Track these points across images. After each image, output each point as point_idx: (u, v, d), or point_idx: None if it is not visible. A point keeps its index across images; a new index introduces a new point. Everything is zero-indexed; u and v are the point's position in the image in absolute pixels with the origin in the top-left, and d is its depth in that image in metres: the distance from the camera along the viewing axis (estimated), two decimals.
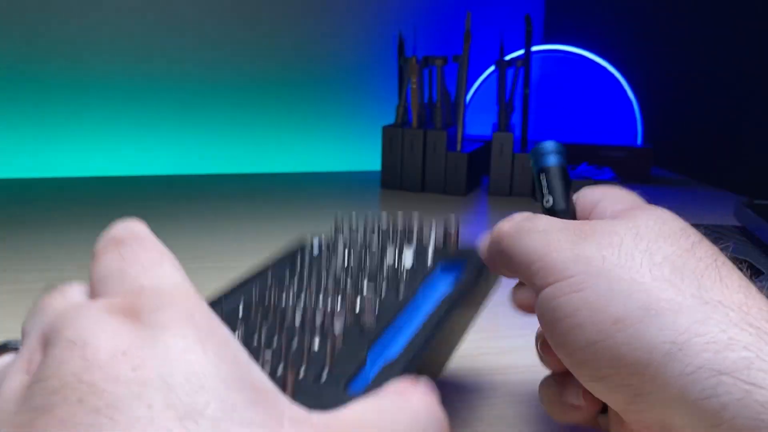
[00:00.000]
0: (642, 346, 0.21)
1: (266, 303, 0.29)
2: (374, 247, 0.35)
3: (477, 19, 0.91)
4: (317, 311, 0.27)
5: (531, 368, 0.39)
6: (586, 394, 0.26)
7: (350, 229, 0.37)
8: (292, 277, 0.32)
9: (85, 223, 0.67)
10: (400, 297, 0.30)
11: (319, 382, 0.23)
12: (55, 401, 0.14)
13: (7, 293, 0.48)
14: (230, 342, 0.16)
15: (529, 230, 0.26)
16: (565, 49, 1.02)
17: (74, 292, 0.19)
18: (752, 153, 0.90)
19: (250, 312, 0.28)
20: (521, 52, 0.95)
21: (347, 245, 0.35)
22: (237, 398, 0.14)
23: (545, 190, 0.31)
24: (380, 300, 0.30)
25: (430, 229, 0.37)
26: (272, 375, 0.21)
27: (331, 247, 0.35)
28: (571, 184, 0.31)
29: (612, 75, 1.00)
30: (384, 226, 0.37)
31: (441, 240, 0.36)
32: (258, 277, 0.32)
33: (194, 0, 1.04)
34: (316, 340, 0.25)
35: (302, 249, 0.36)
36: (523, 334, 0.42)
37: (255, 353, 0.21)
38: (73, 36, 1.00)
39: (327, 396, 0.21)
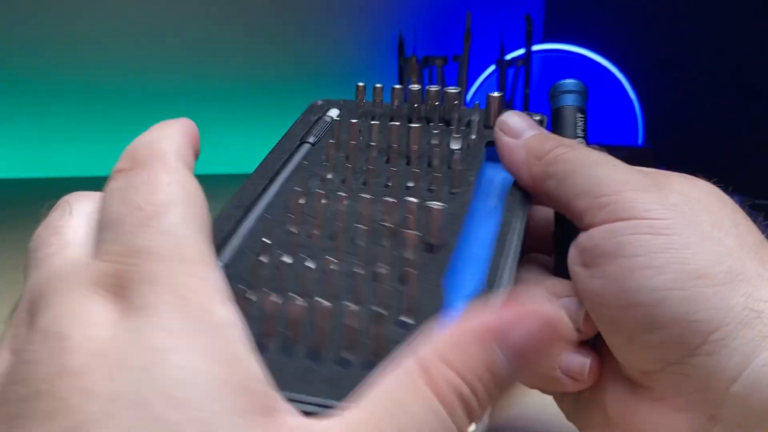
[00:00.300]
0: (721, 307, 0.21)
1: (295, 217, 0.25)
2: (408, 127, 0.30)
3: (477, 19, 0.91)
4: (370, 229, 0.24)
5: None
6: (589, 368, 0.25)
7: (375, 102, 0.32)
8: (318, 172, 0.27)
9: None
10: (459, 198, 0.26)
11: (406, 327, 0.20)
12: (23, 412, 0.13)
13: (7, 294, 0.48)
14: (226, 330, 0.14)
15: (598, 162, 0.25)
16: (566, 49, 1.02)
17: (74, 231, 0.17)
18: (752, 153, 0.90)
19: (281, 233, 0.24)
20: (522, 51, 0.95)
21: (376, 122, 0.30)
22: (223, 409, 0.13)
23: (559, 129, 0.30)
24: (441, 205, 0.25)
25: (469, 107, 0.32)
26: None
27: (361, 129, 0.30)
28: (585, 130, 0.30)
29: (613, 74, 1.00)
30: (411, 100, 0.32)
31: (482, 118, 0.32)
32: (279, 181, 0.27)
33: (197, 2, 1.04)
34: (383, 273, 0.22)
35: (320, 124, 0.31)
36: None
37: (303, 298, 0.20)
38: (77, 40, 1.00)
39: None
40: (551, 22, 1.21)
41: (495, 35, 0.89)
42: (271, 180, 0.27)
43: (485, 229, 0.26)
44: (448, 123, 0.31)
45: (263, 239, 0.23)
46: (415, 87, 0.32)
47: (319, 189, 0.26)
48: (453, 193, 0.27)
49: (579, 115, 0.31)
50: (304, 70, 1.11)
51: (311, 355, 0.20)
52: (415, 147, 0.29)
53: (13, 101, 0.99)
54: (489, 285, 0.22)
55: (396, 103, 0.32)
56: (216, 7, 1.06)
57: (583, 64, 1.02)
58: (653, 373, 0.23)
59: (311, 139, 0.30)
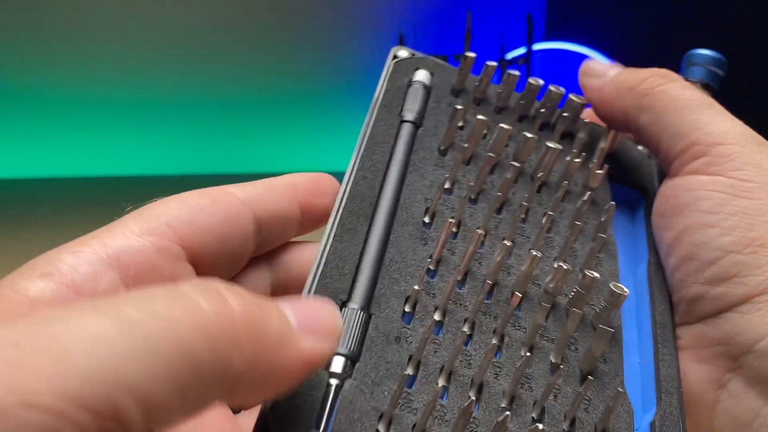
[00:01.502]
0: None
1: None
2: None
3: (478, 18, 0.91)
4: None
5: None
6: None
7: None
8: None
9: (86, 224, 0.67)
10: (605, 260, 0.24)
11: None
12: None
13: None
14: None
15: (701, 104, 0.25)
16: (567, 48, 1.02)
17: None
18: None
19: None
20: (523, 50, 0.95)
21: (507, 127, 0.25)
22: None
23: None
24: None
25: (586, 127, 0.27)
26: None
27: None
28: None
29: None
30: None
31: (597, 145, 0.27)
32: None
33: (200, 6, 1.04)
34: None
35: (413, 93, 0.27)
36: None
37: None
38: (80, 42, 1.00)
39: None
40: (552, 21, 1.21)
41: (495, 34, 0.89)
42: (386, 174, 0.24)
43: (634, 311, 0.24)
44: (566, 135, 0.27)
45: (407, 286, 0.21)
46: (537, 81, 0.28)
47: (447, 209, 0.23)
48: (594, 251, 0.24)
49: (704, 93, 0.27)
50: (302, 69, 1.11)
51: None
52: (545, 171, 0.25)
53: (12, 100, 0.99)
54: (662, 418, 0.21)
55: (505, 91, 0.28)
56: (214, 6, 1.06)
57: None
58: (685, 324, 0.23)
59: (410, 117, 0.26)
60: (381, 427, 0.18)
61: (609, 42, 1.06)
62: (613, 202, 0.24)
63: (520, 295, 0.21)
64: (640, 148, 0.28)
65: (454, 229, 0.22)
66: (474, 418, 0.19)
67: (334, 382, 0.18)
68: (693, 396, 0.23)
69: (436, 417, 0.19)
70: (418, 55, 0.29)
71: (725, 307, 0.22)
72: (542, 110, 0.27)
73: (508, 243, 0.21)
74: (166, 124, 1.07)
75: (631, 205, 0.27)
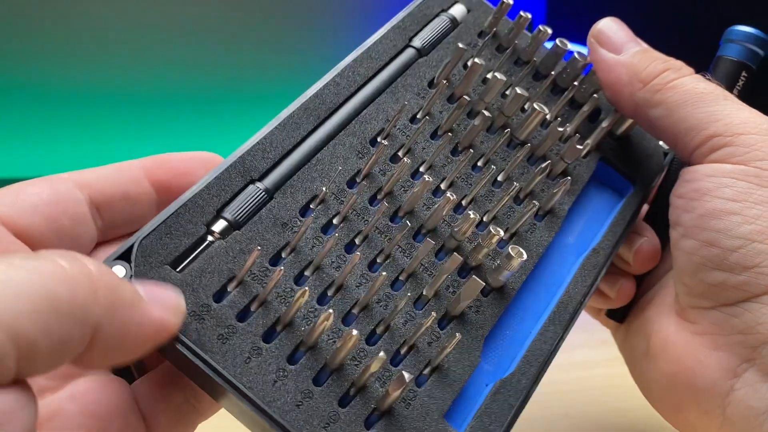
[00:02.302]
0: None
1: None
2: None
3: None
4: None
5: None
6: (623, 288, 0.27)
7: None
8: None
9: None
10: (542, 231, 0.24)
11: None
12: None
13: None
14: None
15: (715, 96, 0.24)
16: (568, 47, 1.02)
17: None
18: None
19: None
20: None
21: (501, 78, 0.25)
22: None
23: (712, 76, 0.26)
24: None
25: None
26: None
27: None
28: (746, 92, 0.26)
29: None
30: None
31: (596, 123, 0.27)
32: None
33: (197, 2, 1.04)
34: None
35: (436, 23, 0.26)
36: None
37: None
38: (78, 40, 1.00)
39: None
40: (553, 20, 1.20)
41: None
42: (361, 87, 0.24)
43: (548, 291, 0.24)
44: (579, 105, 0.27)
45: (321, 187, 0.22)
46: (564, 44, 0.27)
47: (403, 135, 0.23)
48: (540, 216, 0.24)
49: (743, 73, 0.27)
50: (300, 69, 1.10)
51: (314, 374, 0.19)
52: (524, 134, 0.24)
53: (12, 101, 0.99)
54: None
55: (531, 46, 0.27)
56: (211, 5, 1.05)
57: None
58: (704, 309, 0.23)
59: (417, 44, 0.25)
60: (230, 287, 0.19)
61: None
62: (568, 178, 0.24)
63: (415, 227, 0.22)
64: (661, 143, 0.28)
65: (402, 156, 0.23)
66: (314, 308, 0.20)
67: (209, 237, 0.20)
68: (706, 383, 0.23)
69: (279, 295, 0.20)
70: None
71: (746, 296, 0.22)
72: (564, 75, 0.27)
73: (428, 179, 0.22)
74: (166, 121, 1.07)
75: (621, 193, 0.27)
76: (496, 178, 0.24)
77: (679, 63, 0.25)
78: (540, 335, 0.22)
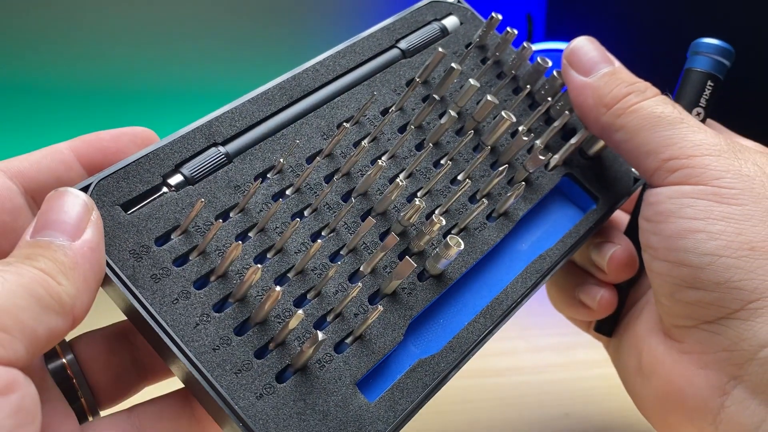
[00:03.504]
0: (766, 279, 0.21)
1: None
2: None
3: None
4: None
5: (532, 369, 0.39)
6: (602, 299, 0.28)
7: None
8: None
9: None
10: (492, 231, 0.25)
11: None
12: None
13: None
14: None
15: (671, 120, 0.24)
16: (549, 65, 1.02)
17: None
18: None
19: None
20: None
21: (475, 84, 0.26)
22: None
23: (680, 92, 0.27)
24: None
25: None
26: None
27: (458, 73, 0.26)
28: (712, 101, 0.27)
29: None
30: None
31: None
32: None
33: (198, 2, 1.04)
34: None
35: (426, 29, 0.27)
36: (525, 336, 0.42)
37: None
38: (74, 38, 1.00)
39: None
40: (552, 21, 1.20)
41: None
42: (339, 76, 0.25)
43: (488, 288, 0.25)
44: (548, 121, 0.28)
45: (279, 158, 0.22)
46: (546, 61, 0.28)
47: (371, 125, 0.24)
48: (493, 218, 0.25)
49: (709, 83, 0.27)
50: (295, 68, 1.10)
51: (237, 325, 0.20)
52: (491, 139, 0.25)
53: (10, 100, 0.98)
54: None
55: (516, 60, 0.28)
56: (216, 8, 1.05)
57: None
58: (686, 328, 0.23)
59: (403, 45, 0.27)
60: (173, 235, 0.20)
61: (609, 42, 1.06)
62: (522, 183, 0.25)
63: (365, 209, 0.23)
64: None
65: (367, 144, 0.24)
66: (250, 266, 0.20)
67: (164, 188, 0.21)
68: (697, 402, 0.23)
69: (219, 249, 0.21)
70: (464, 4, 0.29)
71: (725, 313, 0.22)
72: (542, 91, 0.28)
73: (382, 163, 0.23)
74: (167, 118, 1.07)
75: (583, 210, 0.28)
76: (456, 177, 0.25)
77: (644, 85, 0.26)
78: (469, 325, 0.23)
